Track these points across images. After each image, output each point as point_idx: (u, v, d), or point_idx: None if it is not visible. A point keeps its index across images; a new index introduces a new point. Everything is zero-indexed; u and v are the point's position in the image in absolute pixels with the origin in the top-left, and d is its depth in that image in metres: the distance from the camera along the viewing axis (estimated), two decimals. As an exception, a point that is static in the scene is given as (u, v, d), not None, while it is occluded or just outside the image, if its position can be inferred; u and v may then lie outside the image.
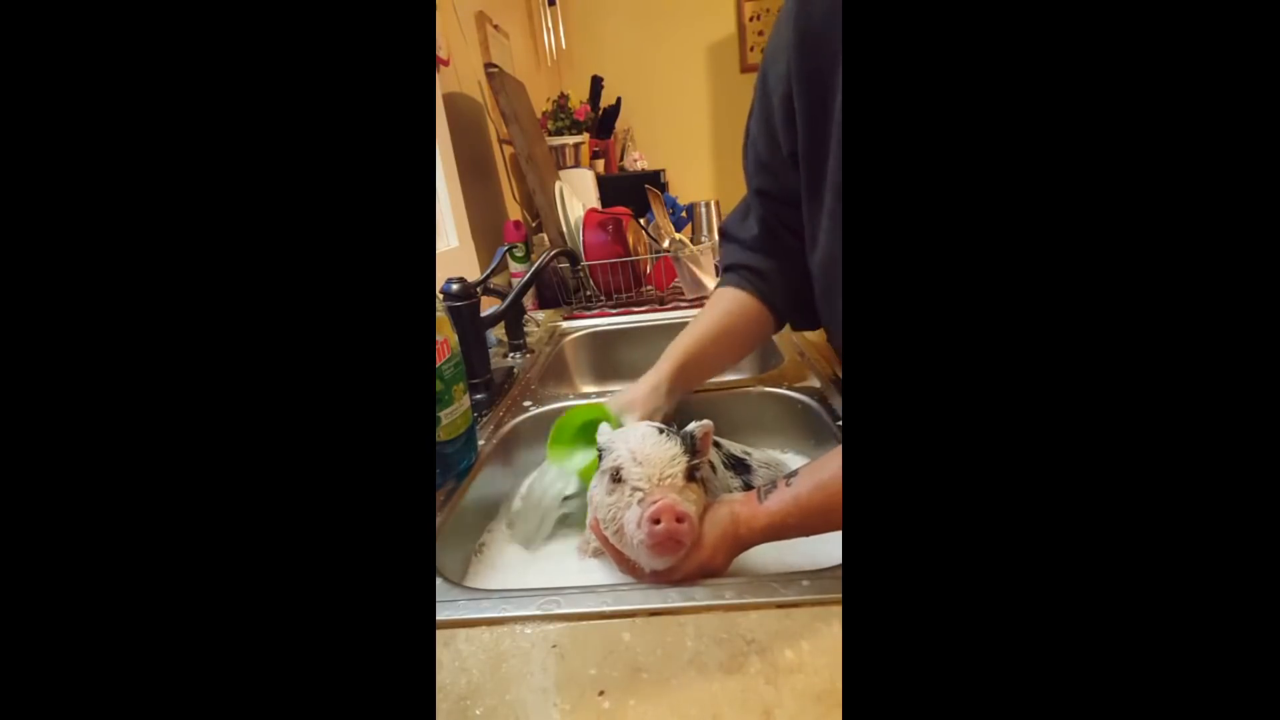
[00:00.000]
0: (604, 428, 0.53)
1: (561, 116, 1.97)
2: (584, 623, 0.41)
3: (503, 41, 1.74)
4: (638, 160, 2.45)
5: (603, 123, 2.16)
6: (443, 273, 0.84)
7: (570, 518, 0.63)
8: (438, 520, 0.56)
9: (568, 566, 0.57)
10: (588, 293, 1.35)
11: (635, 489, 0.46)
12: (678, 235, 1.39)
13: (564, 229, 1.36)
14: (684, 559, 0.44)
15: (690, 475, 0.47)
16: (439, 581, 0.46)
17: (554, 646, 0.39)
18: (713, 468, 0.59)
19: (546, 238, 1.44)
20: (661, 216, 1.44)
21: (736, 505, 0.47)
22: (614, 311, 1.27)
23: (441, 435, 0.58)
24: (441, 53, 1.29)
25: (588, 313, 1.28)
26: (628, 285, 1.34)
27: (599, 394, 0.77)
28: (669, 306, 1.26)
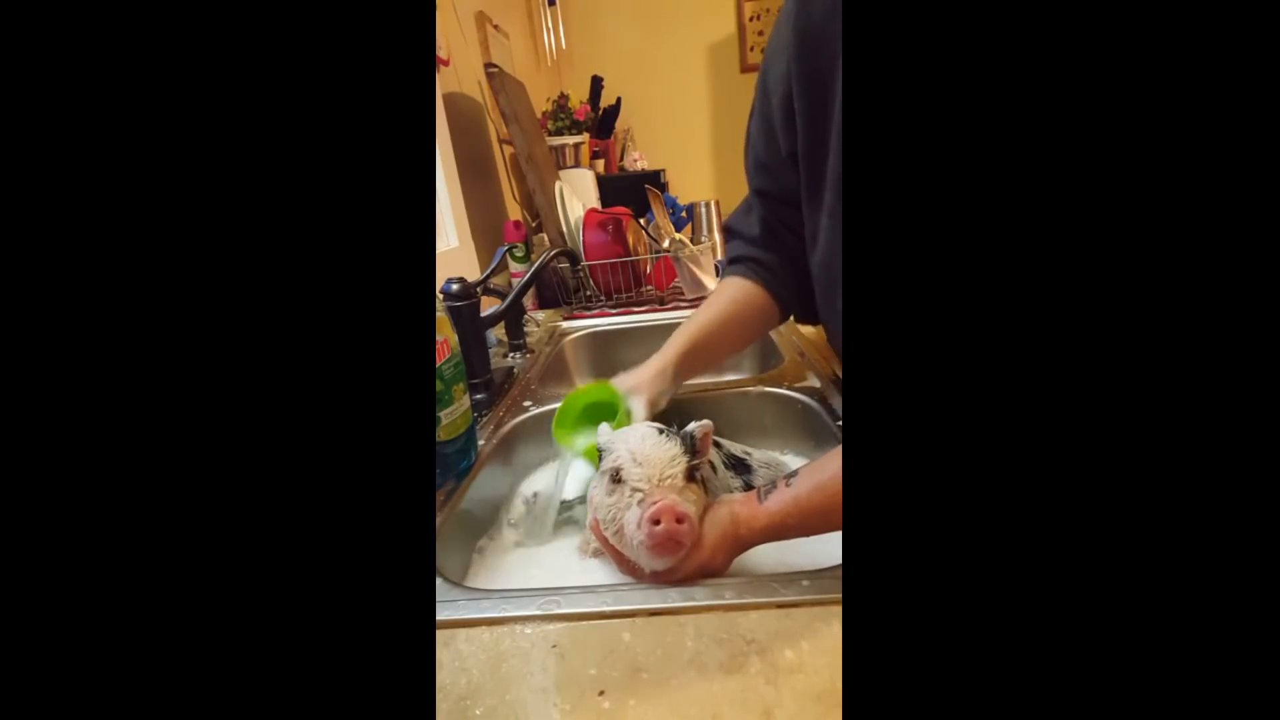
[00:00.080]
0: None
1: (561, 116, 1.97)
2: (584, 623, 0.41)
3: (503, 41, 1.74)
4: (638, 160, 2.45)
5: (603, 123, 2.16)
6: (443, 273, 0.84)
7: (572, 515, 0.63)
8: (438, 520, 0.56)
9: (568, 566, 0.57)
10: (588, 293, 1.35)
11: (635, 489, 0.45)
12: (678, 235, 1.39)
13: (564, 229, 1.36)
14: (684, 559, 0.44)
15: (690, 476, 0.47)
16: (439, 581, 0.46)
17: (554, 646, 0.39)
18: (713, 468, 0.59)
19: (546, 238, 1.44)
20: (661, 216, 1.44)
21: (736, 505, 0.47)
22: (614, 311, 1.27)
23: (441, 435, 0.58)
24: (441, 53, 1.29)
25: (588, 313, 1.28)
26: (628, 285, 1.34)
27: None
28: (669, 306, 1.27)
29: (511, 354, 1.02)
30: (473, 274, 1.23)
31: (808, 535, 0.46)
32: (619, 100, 2.27)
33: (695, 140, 2.77)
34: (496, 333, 1.09)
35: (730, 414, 0.79)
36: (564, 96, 2.05)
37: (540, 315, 1.32)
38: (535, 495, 0.69)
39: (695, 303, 1.25)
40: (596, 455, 0.53)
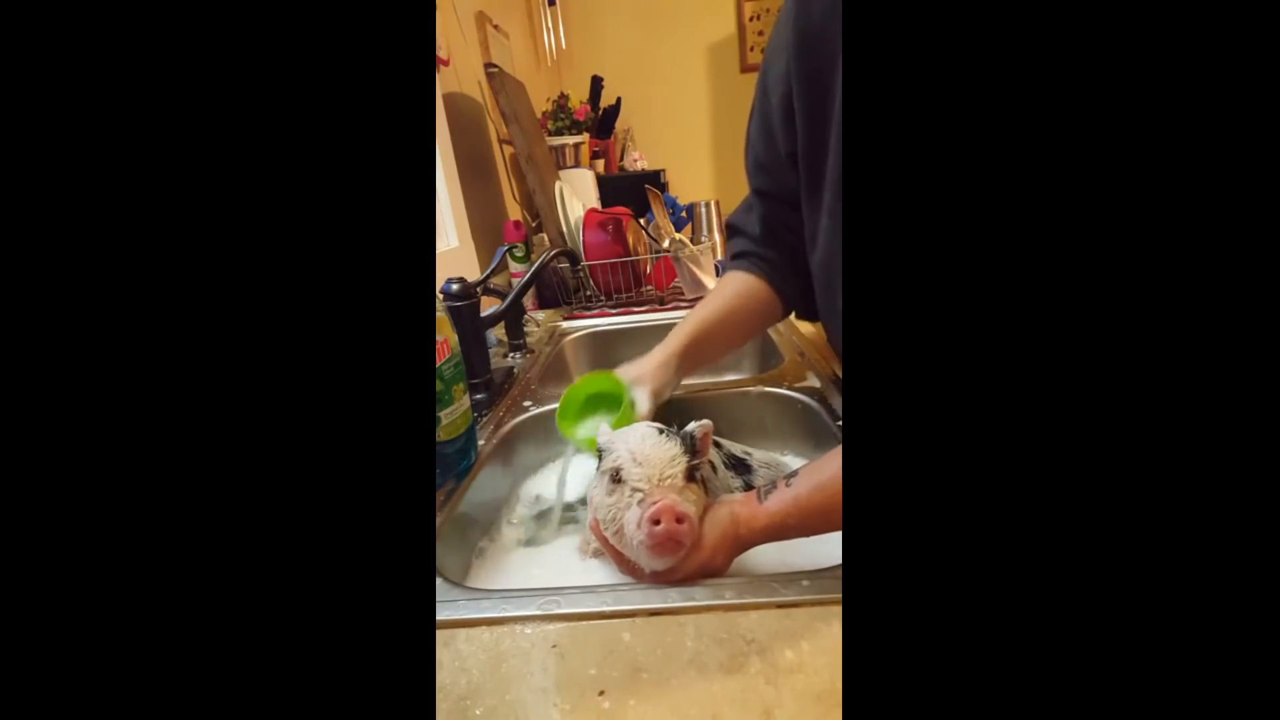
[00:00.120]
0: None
1: (561, 116, 1.97)
2: (584, 623, 0.41)
3: (503, 41, 1.74)
4: (638, 160, 2.45)
5: (603, 123, 2.16)
6: (443, 273, 0.84)
7: (574, 516, 0.63)
8: (438, 520, 0.56)
9: (568, 566, 0.57)
10: (588, 293, 1.35)
11: (635, 489, 0.45)
12: (678, 235, 1.39)
13: (564, 229, 1.36)
14: (684, 559, 0.44)
15: (690, 476, 0.47)
16: (439, 581, 0.46)
17: (554, 646, 0.39)
18: (713, 468, 0.59)
19: (546, 238, 1.44)
20: (661, 216, 1.44)
21: (736, 505, 0.47)
22: (614, 311, 1.27)
23: (441, 435, 0.58)
24: (441, 53, 1.29)
25: (588, 313, 1.28)
26: (628, 285, 1.34)
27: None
28: (669, 306, 1.27)
29: (511, 354, 1.02)
30: (473, 274, 1.23)
31: (808, 535, 0.46)
32: (619, 100, 2.27)
33: (695, 140, 2.77)
34: (496, 333, 1.09)
35: (730, 414, 0.79)
36: (564, 96, 2.05)
37: (540, 315, 1.32)
38: (537, 498, 0.69)
39: (695, 302, 1.24)
40: (590, 444, 0.53)
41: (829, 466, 0.45)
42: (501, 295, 1.02)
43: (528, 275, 1.00)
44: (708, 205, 1.57)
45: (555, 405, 0.65)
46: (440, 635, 0.41)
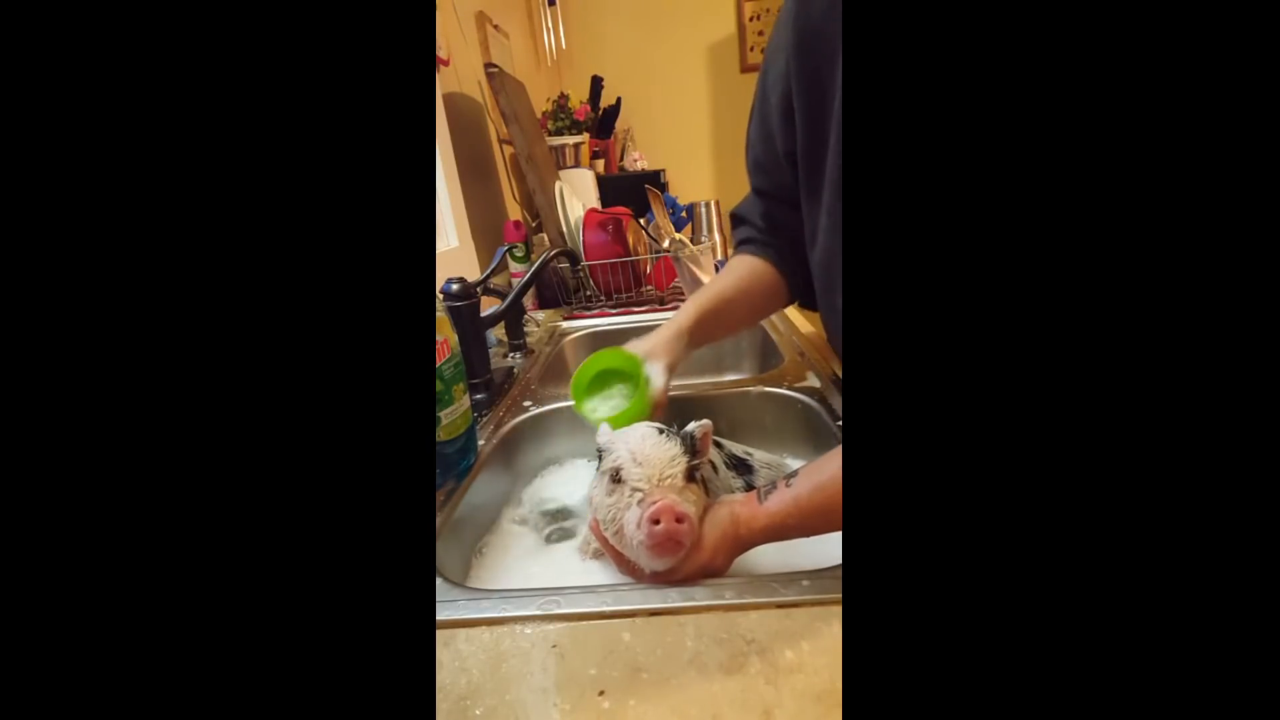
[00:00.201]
0: (604, 428, 0.53)
1: (561, 116, 1.97)
2: (584, 623, 0.41)
3: (503, 41, 1.74)
4: (638, 160, 2.45)
5: (603, 123, 2.16)
6: (443, 273, 0.84)
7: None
8: (438, 520, 0.56)
9: (568, 567, 0.57)
10: (588, 293, 1.35)
11: (635, 490, 0.45)
12: (678, 235, 1.39)
13: (564, 229, 1.36)
14: (684, 560, 0.44)
15: (690, 476, 0.47)
16: (439, 581, 0.46)
17: (554, 646, 0.39)
18: (714, 468, 0.59)
19: (546, 238, 1.44)
20: (661, 216, 1.44)
21: (736, 506, 0.47)
22: (614, 311, 1.27)
23: (441, 435, 0.58)
24: (441, 53, 1.29)
25: (588, 313, 1.28)
26: (628, 285, 1.34)
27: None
28: (669, 306, 1.27)
29: (511, 354, 1.02)
30: (473, 274, 1.23)
31: (808, 535, 0.46)
32: (619, 100, 2.27)
33: (695, 140, 2.77)
34: (496, 333, 1.09)
35: (730, 414, 0.79)
36: (564, 96, 2.05)
37: (540, 315, 1.32)
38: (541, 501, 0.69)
39: (695, 302, 1.25)
40: (619, 425, 0.52)
41: (829, 467, 0.45)
42: (501, 295, 1.02)
43: (528, 275, 1.00)
44: (708, 205, 1.57)
45: (555, 405, 0.65)
46: (440, 635, 0.41)
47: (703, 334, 0.66)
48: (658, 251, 1.36)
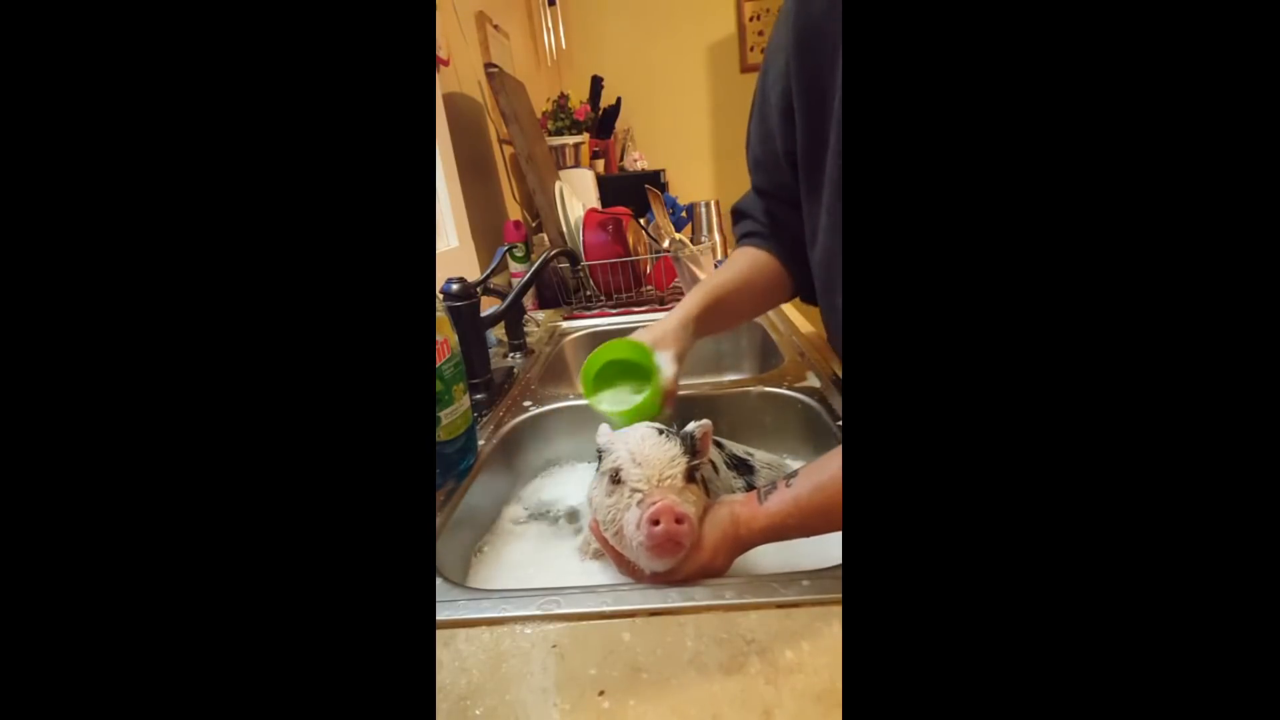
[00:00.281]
0: (603, 429, 0.53)
1: (561, 116, 1.97)
2: (584, 623, 0.41)
3: (503, 41, 1.74)
4: (638, 160, 2.45)
5: (603, 123, 2.16)
6: (443, 273, 0.84)
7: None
8: (438, 520, 0.56)
9: (568, 567, 0.57)
10: (588, 293, 1.35)
11: (634, 490, 0.45)
12: (678, 235, 1.39)
13: (564, 229, 1.36)
14: (684, 560, 0.44)
15: (690, 476, 0.47)
16: (439, 581, 0.46)
17: (554, 646, 0.39)
18: (715, 468, 0.59)
19: (546, 238, 1.44)
20: (661, 216, 1.44)
21: (736, 506, 0.47)
22: (614, 311, 1.27)
23: (441, 435, 0.58)
24: (441, 53, 1.29)
25: (588, 313, 1.28)
26: (628, 285, 1.34)
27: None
28: (669, 306, 1.26)
29: (511, 354, 1.02)
30: (473, 274, 1.23)
31: (808, 535, 0.46)
32: (619, 100, 2.27)
33: (695, 140, 2.77)
34: (496, 333, 1.09)
35: (730, 414, 0.79)
36: (564, 96, 2.05)
37: (540, 315, 1.32)
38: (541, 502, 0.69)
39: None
40: (630, 419, 0.52)
41: (829, 467, 0.45)
42: (501, 295, 1.02)
43: (528, 275, 1.00)
44: (708, 205, 1.57)
45: (555, 406, 0.65)
46: (440, 635, 0.41)
47: (708, 324, 0.66)
48: (658, 251, 1.36)
